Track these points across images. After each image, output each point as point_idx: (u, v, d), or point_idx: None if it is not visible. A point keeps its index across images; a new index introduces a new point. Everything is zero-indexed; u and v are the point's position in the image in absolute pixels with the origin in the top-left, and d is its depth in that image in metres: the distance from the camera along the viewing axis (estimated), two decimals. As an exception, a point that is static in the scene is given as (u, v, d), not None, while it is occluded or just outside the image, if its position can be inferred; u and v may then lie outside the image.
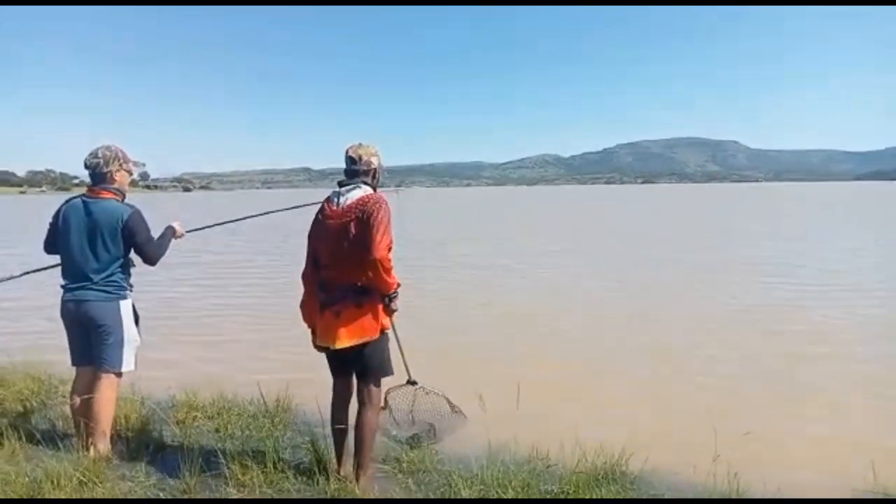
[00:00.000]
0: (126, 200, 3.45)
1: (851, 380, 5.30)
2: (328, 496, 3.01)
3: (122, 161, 3.43)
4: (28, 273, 3.75)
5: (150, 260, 3.41)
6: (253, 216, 4.89)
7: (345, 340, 2.96)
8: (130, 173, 3.53)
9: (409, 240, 18.73)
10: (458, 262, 14.19)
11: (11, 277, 3.71)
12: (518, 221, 31.87)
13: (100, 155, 3.36)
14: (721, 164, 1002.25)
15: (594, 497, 2.96)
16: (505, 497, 2.88)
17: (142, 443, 3.63)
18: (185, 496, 3.01)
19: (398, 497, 2.99)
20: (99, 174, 3.37)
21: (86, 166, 3.38)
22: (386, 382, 3.38)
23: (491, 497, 2.92)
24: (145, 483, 3.11)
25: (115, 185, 3.41)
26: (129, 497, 2.99)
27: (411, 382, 4.12)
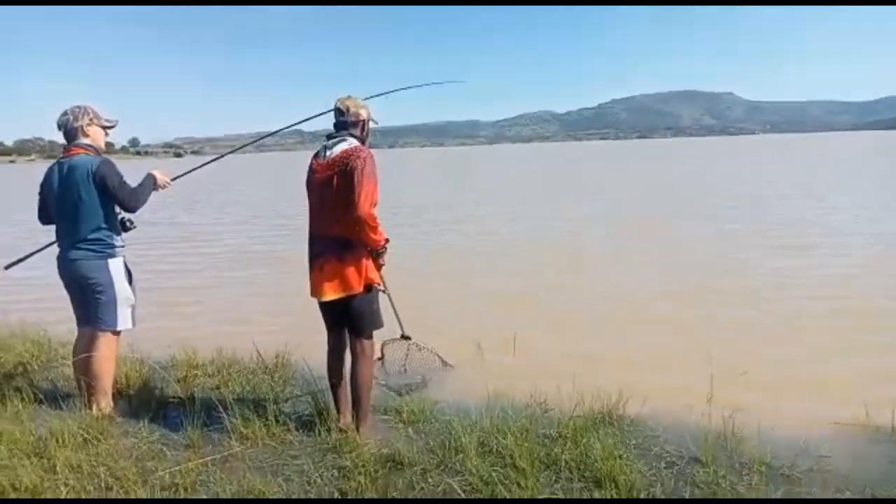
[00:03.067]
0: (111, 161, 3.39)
1: (846, 322, 5.35)
2: (330, 446, 3.05)
3: (91, 115, 3.39)
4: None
5: (128, 206, 3.34)
6: (213, 160, 4.60)
7: (329, 294, 2.99)
8: (105, 129, 3.48)
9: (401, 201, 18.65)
10: (454, 217, 14.15)
11: None
12: (517, 179, 31.65)
13: (69, 112, 3.36)
14: (717, 117, 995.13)
15: (593, 439, 2.99)
16: (504, 442, 2.92)
17: (143, 401, 3.66)
18: (189, 450, 3.04)
19: (399, 445, 3.02)
20: (71, 130, 3.35)
21: (58, 127, 3.38)
22: (380, 334, 3.41)
23: (490, 443, 2.97)
24: (149, 439, 3.14)
25: (88, 140, 3.38)
26: (135, 448, 3.03)
27: (405, 337, 4.19)
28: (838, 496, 2.64)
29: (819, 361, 4.47)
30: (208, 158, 4.51)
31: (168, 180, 3.63)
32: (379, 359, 4.16)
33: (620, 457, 2.85)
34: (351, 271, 2.97)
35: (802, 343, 4.85)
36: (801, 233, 10.17)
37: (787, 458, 2.89)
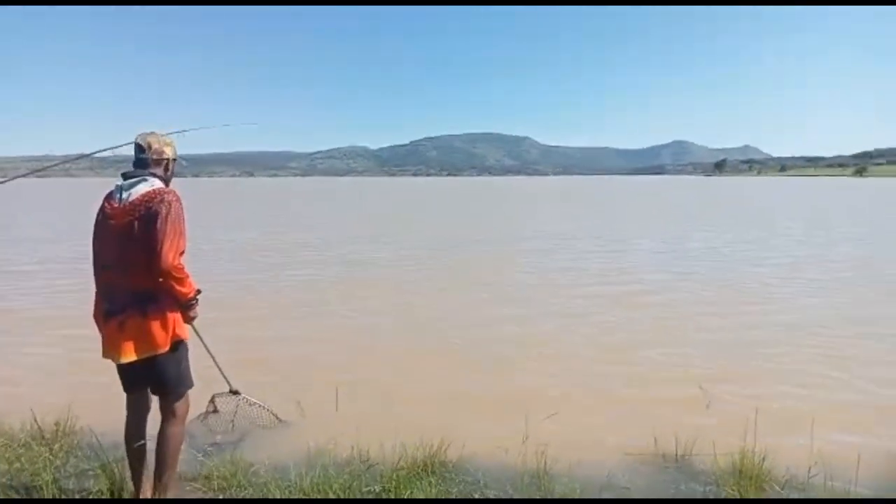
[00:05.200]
0: None
1: (636, 354, 5.96)
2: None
3: None
4: None
5: None
6: None
7: (130, 354, 2.63)
8: None
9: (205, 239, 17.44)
10: (260, 262, 13.55)
11: None
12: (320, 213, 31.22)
13: None
14: (517, 158, 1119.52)
15: (416, 491, 2.98)
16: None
17: None
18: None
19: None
20: None
21: None
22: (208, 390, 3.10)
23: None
24: None
25: None
26: None
27: (234, 392, 3.90)
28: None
29: (613, 398, 4.85)
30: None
31: None
32: (214, 411, 3.92)
33: (436, 506, 2.85)
34: (156, 327, 2.64)
35: (600, 378, 5.27)
36: (604, 273, 11.14)
37: (594, 491, 3.12)
